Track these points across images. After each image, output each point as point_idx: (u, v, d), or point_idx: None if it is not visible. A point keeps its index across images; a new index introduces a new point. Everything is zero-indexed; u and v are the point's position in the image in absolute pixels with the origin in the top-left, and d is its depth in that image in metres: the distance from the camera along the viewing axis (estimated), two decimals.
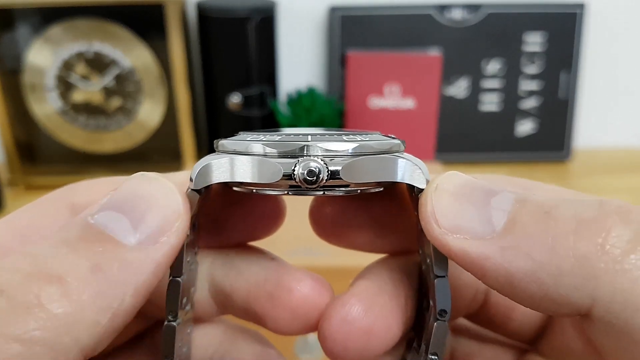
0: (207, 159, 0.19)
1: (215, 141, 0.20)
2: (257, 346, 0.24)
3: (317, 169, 0.18)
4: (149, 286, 0.17)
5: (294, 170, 0.18)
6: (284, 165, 0.18)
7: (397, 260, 0.23)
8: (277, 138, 0.19)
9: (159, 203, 0.18)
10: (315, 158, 0.18)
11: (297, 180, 0.18)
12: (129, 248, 0.17)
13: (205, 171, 0.18)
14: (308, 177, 0.18)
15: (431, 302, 0.20)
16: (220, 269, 0.23)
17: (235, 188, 0.19)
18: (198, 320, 0.24)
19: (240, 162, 0.18)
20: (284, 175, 0.18)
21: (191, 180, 0.19)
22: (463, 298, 0.23)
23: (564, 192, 0.21)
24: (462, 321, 0.25)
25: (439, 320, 0.20)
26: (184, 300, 0.21)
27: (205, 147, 0.91)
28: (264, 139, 0.18)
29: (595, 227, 0.16)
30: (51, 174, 0.86)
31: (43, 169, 0.87)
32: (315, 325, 0.22)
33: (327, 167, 0.18)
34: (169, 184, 0.18)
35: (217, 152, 0.20)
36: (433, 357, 0.20)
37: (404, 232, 0.23)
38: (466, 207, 0.18)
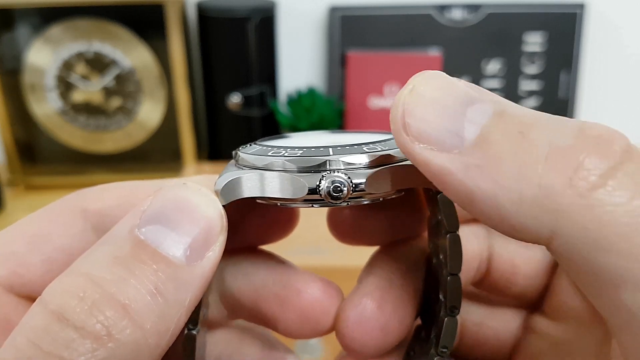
0: (229, 175, 0.19)
1: (234, 152, 0.20)
2: (264, 346, 0.24)
3: (342, 184, 0.18)
4: (197, 300, 0.17)
5: (319, 185, 0.18)
6: (308, 180, 0.18)
7: (400, 248, 0.24)
8: (299, 153, 0.19)
9: (204, 216, 0.18)
10: (339, 173, 0.18)
11: (322, 194, 0.18)
12: (180, 266, 0.17)
13: (231, 186, 0.19)
14: (334, 193, 0.18)
15: (441, 297, 0.21)
16: (229, 273, 0.23)
17: (259, 201, 0.19)
18: (209, 325, 0.24)
19: (266, 177, 0.19)
20: (309, 191, 0.18)
21: (216, 192, 0.19)
22: (468, 270, 0.23)
23: (566, 121, 0.20)
24: (470, 286, 0.25)
25: (449, 316, 0.20)
26: (202, 307, 0.21)
27: (205, 147, 0.91)
28: (285, 154, 0.19)
29: (567, 156, 0.15)
30: (51, 174, 0.86)
31: (43, 169, 0.87)
32: (324, 329, 0.22)
33: (351, 181, 0.18)
34: (212, 195, 0.18)
35: (236, 165, 0.20)
36: (443, 349, 0.21)
37: (415, 222, 0.24)
38: (439, 115, 0.16)
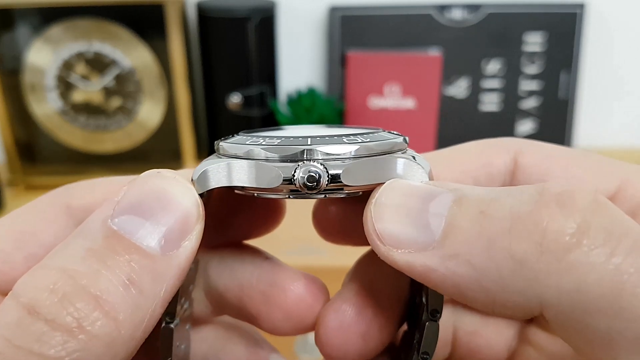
0: (206, 164, 0.19)
1: (215, 142, 0.20)
2: (250, 344, 0.24)
3: (317, 174, 0.17)
4: (173, 291, 0.17)
5: (294, 175, 0.18)
6: (284, 170, 0.18)
7: None
8: (277, 142, 0.18)
9: (179, 205, 0.17)
10: (315, 163, 0.18)
11: (298, 185, 0.18)
12: (155, 256, 0.16)
13: (205, 175, 0.18)
14: (308, 183, 0.18)
15: (424, 300, 0.20)
16: (215, 269, 0.23)
17: (237, 191, 0.19)
18: (194, 321, 0.24)
19: (238, 166, 0.18)
20: (284, 180, 0.18)
21: (192, 181, 0.18)
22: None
23: (525, 188, 0.20)
24: None
25: (430, 320, 0.20)
26: (182, 299, 0.21)
27: (205, 147, 0.91)
28: (263, 143, 0.18)
29: (531, 222, 0.15)
30: (51, 174, 0.86)
31: (43, 169, 0.87)
32: (309, 326, 0.22)
33: (328, 171, 0.18)
34: (187, 183, 0.18)
35: (217, 155, 0.19)
36: (425, 355, 0.20)
37: None
38: (405, 218, 0.17)
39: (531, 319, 0.23)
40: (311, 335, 0.22)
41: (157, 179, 0.18)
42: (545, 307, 0.15)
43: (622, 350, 0.14)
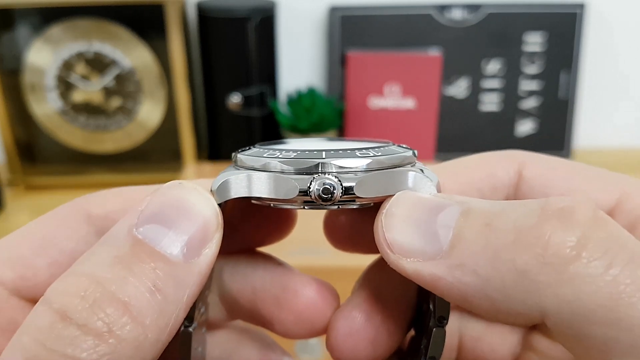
0: (226, 175, 0.20)
1: (233, 154, 0.21)
2: (262, 348, 0.25)
3: (332, 186, 0.18)
4: (195, 297, 0.18)
5: (309, 187, 0.19)
6: (299, 182, 0.19)
7: None
8: (293, 155, 0.19)
9: (200, 215, 0.18)
10: (330, 175, 0.19)
11: (313, 196, 0.19)
12: (178, 264, 0.17)
13: (225, 186, 0.19)
14: (323, 194, 0.18)
15: (431, 307, 0.21)
16: (229, 274, 0.23)
17: (253, 201, 0.20)
18: (209, 325, 0.24)
19: (257, 178, 0.19)
20: (300, 192, 0.19)
21: (212, 192, 0.19)
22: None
23: (528, 203, 0.20)
24: None
25: (437, 326, 0.21)
26: (200, 304, 0.22)
27: (205, 147, 0.91)
28: (280, 156, 0.19)
29: (534, 236, 0.16)
30: (51, 174, 0.86)
31: (43, 169, 0.87)
32: (320, 329, 0.23)
33: (342, 184, 0.19)
34: (207, 194, 0.19)
35: (234, 166, 0.20)
36: None
37: None
38: (414, 229, 0.18)
39: (534, 326, 0.23)
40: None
41: (179, 189, 0.18)
42: (546, 315, 0.16)
43: (617, 357, 0.15)
